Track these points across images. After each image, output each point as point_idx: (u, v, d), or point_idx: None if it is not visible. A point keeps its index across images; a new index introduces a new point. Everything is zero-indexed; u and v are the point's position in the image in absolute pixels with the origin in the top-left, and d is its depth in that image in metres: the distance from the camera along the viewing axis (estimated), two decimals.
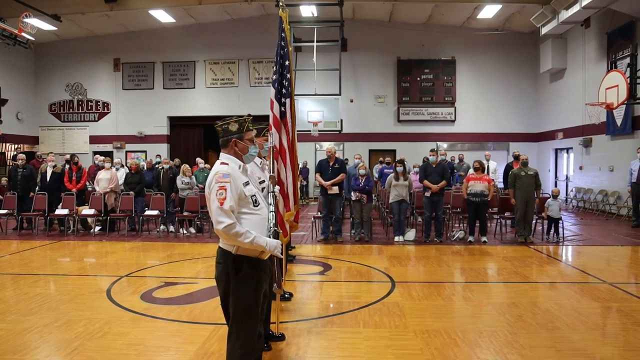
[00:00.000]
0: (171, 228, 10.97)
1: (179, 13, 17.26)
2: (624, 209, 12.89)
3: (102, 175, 11.07)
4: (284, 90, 4.49)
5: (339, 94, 16.94)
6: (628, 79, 11.07)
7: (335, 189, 9.40)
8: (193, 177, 11.29)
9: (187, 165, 11.38)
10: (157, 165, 12.73)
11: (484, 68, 18.92)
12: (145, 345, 4.28)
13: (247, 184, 2.99)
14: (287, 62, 4.57)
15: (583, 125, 15.07)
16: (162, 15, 16.96)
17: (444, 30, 18.68)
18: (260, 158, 4.26)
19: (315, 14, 16.62)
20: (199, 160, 12.93)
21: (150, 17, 17.08)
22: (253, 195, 2.99)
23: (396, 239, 9.61)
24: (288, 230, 4.68)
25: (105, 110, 19.75)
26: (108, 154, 16.63)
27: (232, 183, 2.86)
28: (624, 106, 12.22)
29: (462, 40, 18.81)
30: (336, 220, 9.73)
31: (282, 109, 4.50)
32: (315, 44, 15.96)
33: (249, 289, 2.93)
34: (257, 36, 18.74)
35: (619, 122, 13.38)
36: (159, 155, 15.36)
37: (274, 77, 4.55)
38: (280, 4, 4.72)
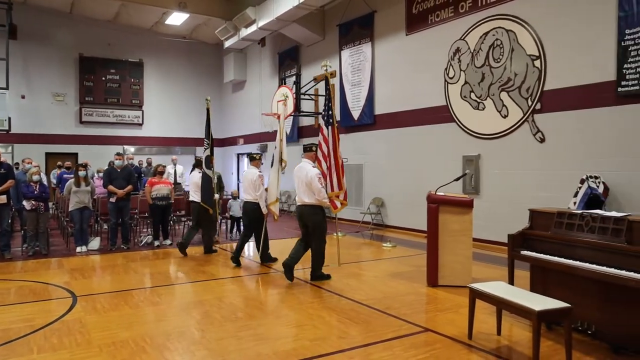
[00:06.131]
0: None
1: None
2: (293, 206, 14.90)
3: None
4: (330, 120, 7.24)
5: (7, 88, 14.70)
6: (294, 95, 12.87)
7: (3, 198, 8.10)
8: None
9: None
10: None
11: (172, 73, 19.20)
12: None
13: None
14: (331, 106, 7.35)
15: (260, 132, 16.81)
16: None
17: (131, 31, 18.19)
18: None
19: None
20: None
21: None
22: None
23: (78, 249, 8.87)
24: (339, 205, 7.22)
25: None
26: None
27: None
28: (292, 117, 14.16)
29: (150, 44, 18.67)
30: (3, 234, 8.36)
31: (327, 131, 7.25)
32: None
33: None
34: None
35: (288, 131, 15.42)
36: None
37: (323, 111, 7.44)
38: (325, 69, 7.62)
